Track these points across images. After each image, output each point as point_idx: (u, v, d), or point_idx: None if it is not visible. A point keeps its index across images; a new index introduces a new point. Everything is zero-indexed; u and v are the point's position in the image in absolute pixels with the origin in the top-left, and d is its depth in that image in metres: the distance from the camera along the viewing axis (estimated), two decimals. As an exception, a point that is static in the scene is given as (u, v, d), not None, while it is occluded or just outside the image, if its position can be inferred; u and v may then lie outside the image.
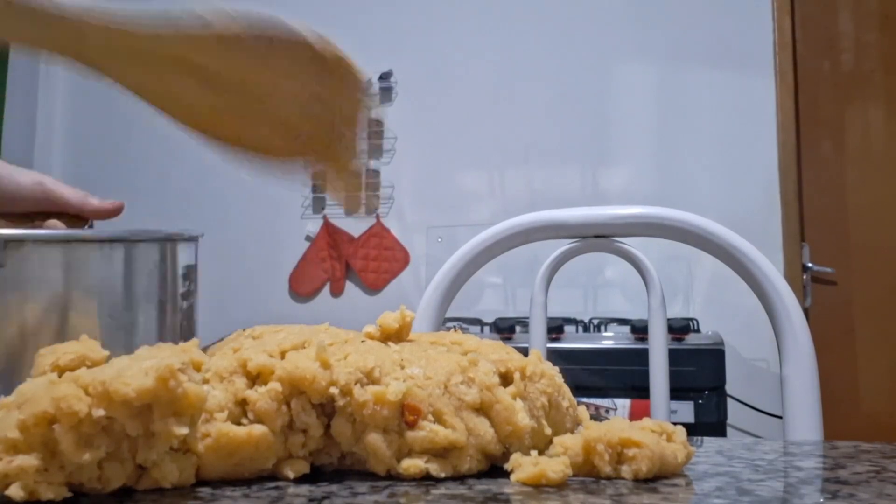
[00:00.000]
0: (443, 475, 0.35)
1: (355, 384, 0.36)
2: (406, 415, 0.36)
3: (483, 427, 0.37)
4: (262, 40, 0.41)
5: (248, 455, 0.35)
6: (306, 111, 0.44)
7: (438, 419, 0.36)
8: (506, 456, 0.37)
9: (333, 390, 0.36)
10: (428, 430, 0.36)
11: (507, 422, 0.37)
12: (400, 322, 0.42)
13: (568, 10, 2.63)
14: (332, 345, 0.39)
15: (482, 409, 0.37)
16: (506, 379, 0.39)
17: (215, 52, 0.42)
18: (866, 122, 2.44)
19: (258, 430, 0.35)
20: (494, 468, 0.37)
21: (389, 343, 0.41)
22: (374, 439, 0.35)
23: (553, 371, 0.41)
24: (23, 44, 0.42)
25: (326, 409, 0.36)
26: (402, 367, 0.38)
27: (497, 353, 0.41)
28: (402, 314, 0.42)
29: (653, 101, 2.56)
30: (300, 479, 0.35)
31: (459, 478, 0.36)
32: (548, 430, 0.39)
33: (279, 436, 0.35)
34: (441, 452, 0.36)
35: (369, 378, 0.36)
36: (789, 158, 2.41)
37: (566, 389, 0.42)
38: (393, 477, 0.36)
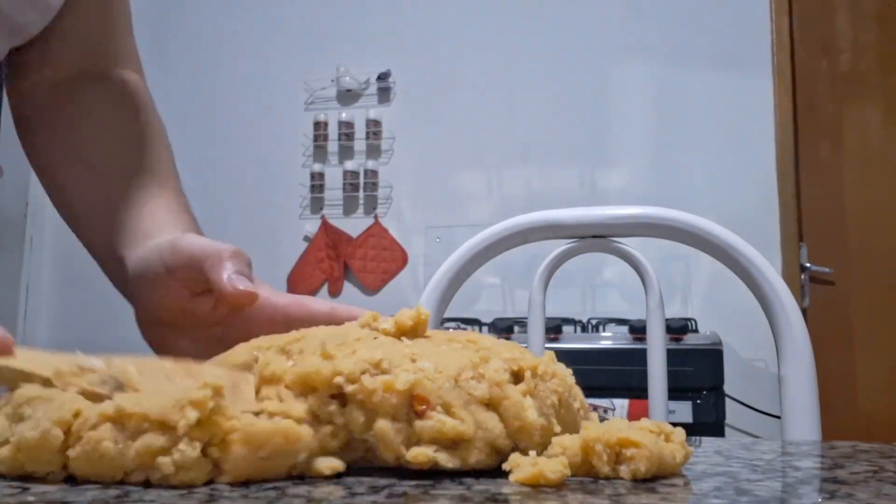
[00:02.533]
0: (450, 465, 0.36)
1: (362, 374, 0.36)
2: (415, 405, 0.36)
3: (492, 421, 0.37)
4: None
5: (277, 448, 0.34)
6: None
7: (447, 411, 0.37)
8: (516, 451, 0.37)
9: (339, 379, 0.36)
10: (436, 420, 0.36)
11: (515, 417, 0.38)
12: (415, 319, 0.42)
13: (566, 11, 2.64)
14: (343, 344, 0.39)
15: (491, 405, 0.38)
16: (517, 377, 0.40)
17: None
18: (864, 122, 2.45)
19: (284, 421, 0.35)
20: (494, 469, 0.37)
21: (403, 339, 0.41)
22: (383, 426, 0.36)
23: (566, 372, 0.42)
24: None
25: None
26: (413, 361, 0.38)
27: (510, 352, 0.41)
28: (418, 311, 0.43)
29: (651, 101, 2.56)
30: (299, 480, 0.35)
31: (458, 479, 0.36)
32: (557, 429, 0.39)
33: (307, 427, 0.36)
34: (449, 444, 0.36)
35: (377, 369, 0.37)
36: (787, 158, 2.41)
37: (578, 391, 0.42)
38: (400, 470, 0.36)
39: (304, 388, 0.36)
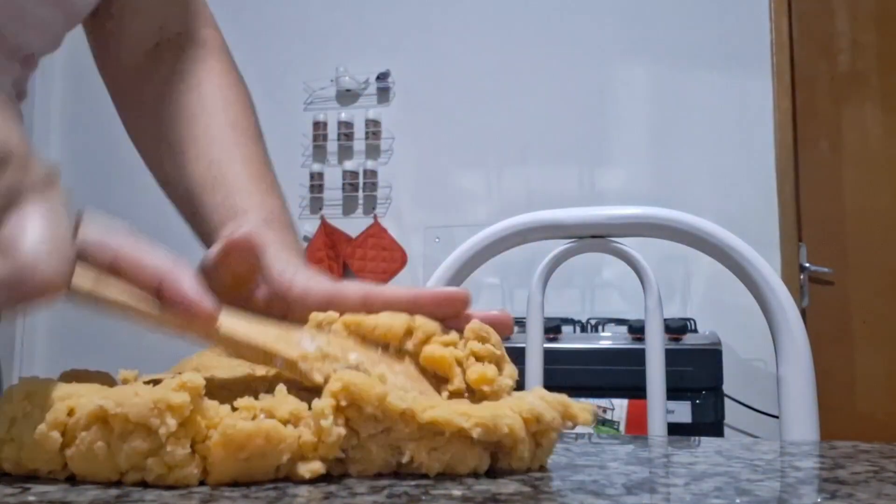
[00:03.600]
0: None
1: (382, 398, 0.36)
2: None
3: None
4: None
5: (259, 449, 0.34)
6: None
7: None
8: None
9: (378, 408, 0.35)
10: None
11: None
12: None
13: (565, 11, 2.64)
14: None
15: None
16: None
17: None
18: (863, 121, 2.45)
19: (267, 422, 0.34)
20: (494, 471, 0.37)
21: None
22: (441, 411, 0.36)
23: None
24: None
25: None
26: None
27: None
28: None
29: (650, 101, 2.56)
30: (299, 480, 0.35)
31: (459, 479, 0.36)
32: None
33: (291, 428, 0.35)
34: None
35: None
36: (786, 158, 2.41)
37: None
38: (400, 471, 0.36)
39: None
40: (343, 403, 0.35)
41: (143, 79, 0.67)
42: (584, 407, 0.38)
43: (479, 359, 0.40)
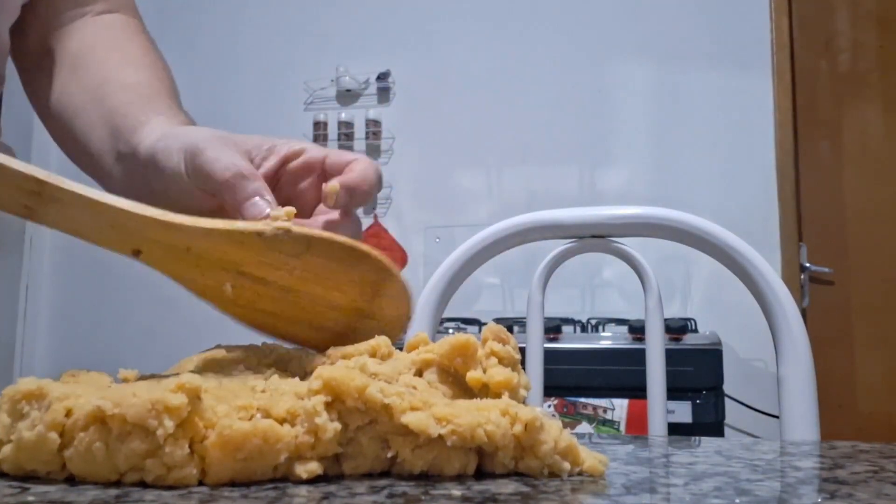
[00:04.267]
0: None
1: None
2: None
3: None
4: (301, 242, 0.44)
5: (256, 449, 0.34)
6: (344, 321, 0.47)
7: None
8: None
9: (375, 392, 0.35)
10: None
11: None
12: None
13: (565, 11, 2.64)
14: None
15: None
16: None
17: (258, 253, 0.44)
18: (864, 121, 2.45)
19: (263, 422, 0.34)
20: (486, 471, 0.37)
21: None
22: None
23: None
24: (78, 237, 0.43)
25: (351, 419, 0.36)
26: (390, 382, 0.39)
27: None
28: None
29: (650, 101, 2.56)
30: (300, 480, 0.35)
31: (458, 479, 0.36)
32: None
33: (288, 427, 0.35)
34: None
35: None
36: (787, 158, 2.41)
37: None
38: (400, 470, 0.36)
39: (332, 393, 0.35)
40: (328, 399, 0.35)
41: (54, 45, 0.69)
42: (595, 456, 0.37)
43: (499, 360, 0.40)
